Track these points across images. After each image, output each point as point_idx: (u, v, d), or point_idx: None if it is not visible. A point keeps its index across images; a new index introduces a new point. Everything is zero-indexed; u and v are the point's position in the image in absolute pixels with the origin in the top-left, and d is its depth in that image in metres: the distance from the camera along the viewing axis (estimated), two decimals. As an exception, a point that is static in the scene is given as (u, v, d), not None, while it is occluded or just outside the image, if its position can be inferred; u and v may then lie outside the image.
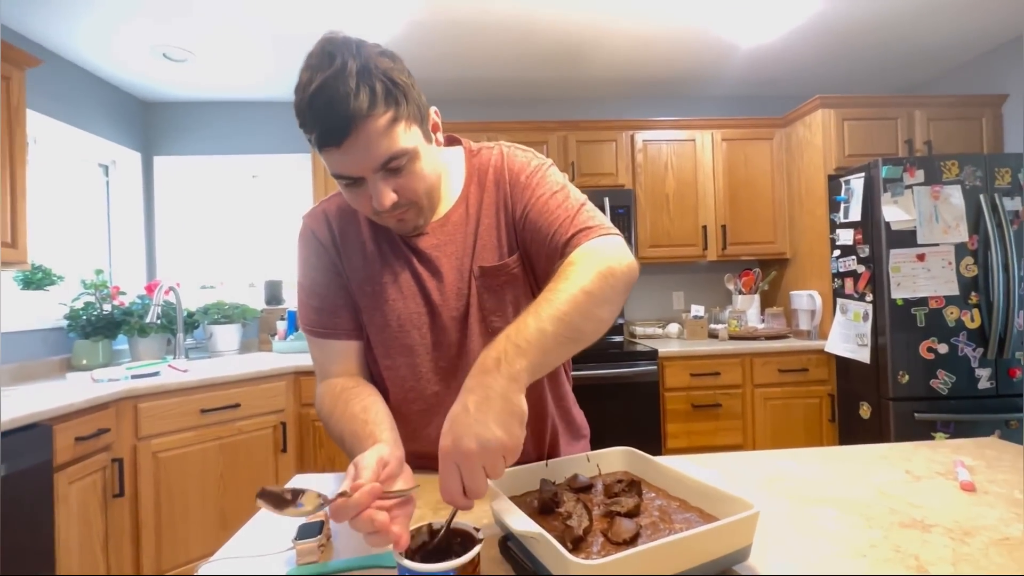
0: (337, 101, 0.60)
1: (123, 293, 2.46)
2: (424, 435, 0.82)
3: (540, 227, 0.73)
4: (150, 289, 2.49)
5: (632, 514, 0.57)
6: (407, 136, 0.65)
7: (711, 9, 2.20)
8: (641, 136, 2.77)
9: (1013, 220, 2.17)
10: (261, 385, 2.17)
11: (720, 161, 2.80)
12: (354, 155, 0.63)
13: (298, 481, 0.85)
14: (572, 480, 0.67)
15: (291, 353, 2.64)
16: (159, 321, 2.31)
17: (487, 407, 0.51)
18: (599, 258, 0.64)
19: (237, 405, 2.07)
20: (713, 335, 2.75)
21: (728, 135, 2.80)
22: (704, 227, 2.78)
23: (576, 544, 0.52)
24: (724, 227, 2.78)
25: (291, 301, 2.95)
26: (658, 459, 0.70)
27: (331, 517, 0.48)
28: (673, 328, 2.87)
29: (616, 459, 0.73)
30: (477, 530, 0.52)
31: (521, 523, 0.51)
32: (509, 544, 0.57)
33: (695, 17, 2.26)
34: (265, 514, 0.73)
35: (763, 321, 2.80)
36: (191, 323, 2.64)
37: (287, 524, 0.65)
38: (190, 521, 1.95)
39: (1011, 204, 2.18)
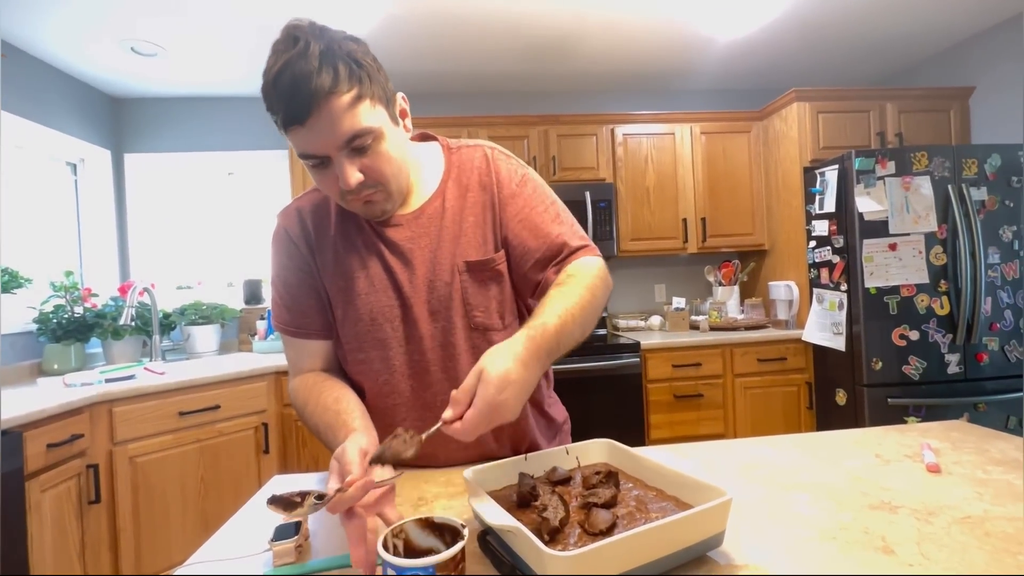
0: (301, 79, 0.61)
1: (95, 295, 2.39)
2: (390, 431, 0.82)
3: (535, 236, 0.78)
4: (123, 290, 2.42)
5: (609, 505, 0.58)
6: (372, 115, 0.66)
7: (689, 3, 2.21)
8: (621, 130, 2.79)
9: (979, 210, 2.24)
10: (241, 386, 2.14)
11: (699, 154, 2.83)
12: (318, 132, 0.63)
13: (278, 482, 0.84)
14: (551, 473, 0.67)
15: (272, 353, 2.60)
16: (133, 323, 2.25)
17: (523, 396, 0.58)
18: (596, 270, 0.75)
19: (217, 407, 2.04)
20: (694, 326, 2.79)
21: (707, 128, 2.83)
22: (684, 220, 2.81)
23: (553, 536, 0.53)
24: (704, 219, 2.82)
25: (270, 299, 2.90)
26: (637, 450, 0.71)
27: (329, 510, 0.52)
28: (655, 320, 2.90)
29: (595, 451, 0.74)
30: (463, 526, 0.52)
31: (497, 517, 0.51)
32: (488, 538, 0.57)
33: (674, 11, 2.27)
34: (243, 516, 0.72)
35: (742, 312, 2.84)
36: (167, 324, 2.58)
37: (264, 526, 0.65)
38: (171, 525, 1.92)
39: (977, 194, 2.25)
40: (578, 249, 0.78)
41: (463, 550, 0.49)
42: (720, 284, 2.90)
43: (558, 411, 0.97)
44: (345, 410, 0.70)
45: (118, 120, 2.83)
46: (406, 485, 0.78)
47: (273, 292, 0.84)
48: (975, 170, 2.26)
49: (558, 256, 0.77)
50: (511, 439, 0.86)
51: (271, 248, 0.83)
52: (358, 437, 0.61)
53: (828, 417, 2.47)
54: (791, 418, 2.54)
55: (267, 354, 2.58)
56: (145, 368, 2.12)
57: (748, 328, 2.66)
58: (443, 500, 0.72)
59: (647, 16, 2.31)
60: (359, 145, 0.66)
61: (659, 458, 0.67)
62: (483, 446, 0.83)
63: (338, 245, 0.80)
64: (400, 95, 0.74)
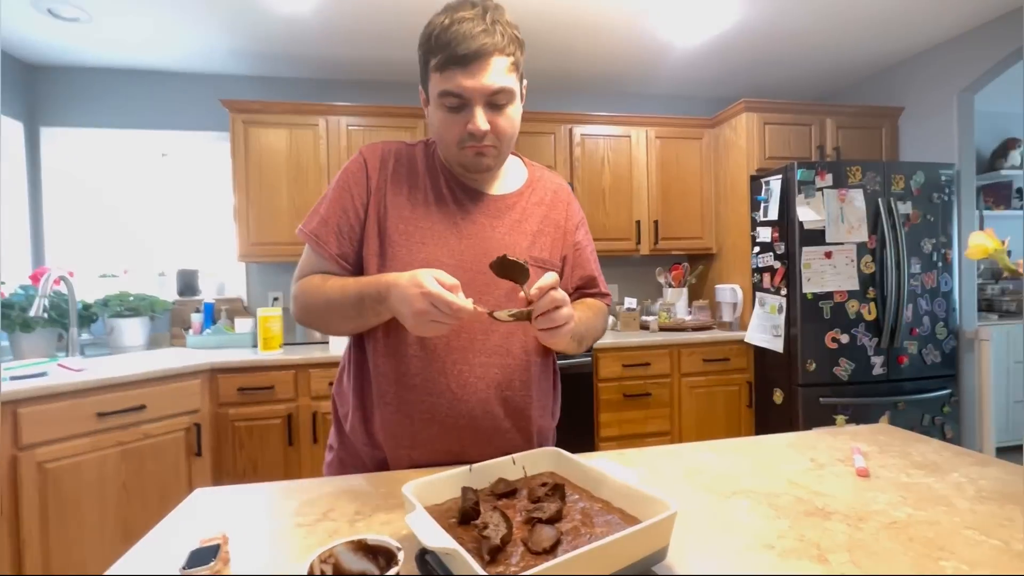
0: (477, 33, 0.74)
1: (2, 283, 2.16)
2: (410, 383, 0.82)
3: (580, 268, 0.97)
4: (35, 278, 2.20)
5: (554, 519, 0.56)
6: (515, 82, 0.80)
7: (648, 6, 2.24)
8: (579, 130, 2.80)
9: (905, 223, 2.41)
10: (172, 384, 1.99)
11: (654, 158, 2.88)
12: (476, 78, 0.75)
13: (200, 496, 0.77)
14: (496, 485, 0.65)
15: (207, 349, 2.44)
16: (46, 314, 2.05)
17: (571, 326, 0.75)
18: (605, 314, 1.01)
19: (142, 407, 1.89)
20: (644, 326, 2.85)
21: (662, 133, 2.89)
22: (638, 222, 2.86)
23: (494, 555, 0.50)
24: (656, 222, 2.88)
25: (207, 292, 2.73)
26: (584, 459, 0.70)
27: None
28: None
29: (542, 460, 0.72)
30: (399, 548, 0.49)
31: (434, 537, 0.48)
32: (427, 558, 0.54)
33: (633, 13, 2.29)
34: (158, 534, 0.65)
35: (690, 313, 2.93)
36: (87, 316, 2.36)
37: (181, 547, 0.59)
38: (86, 536, 1.75)
39: (903, 208, 2.41)
40: (603, 295, 1.00)
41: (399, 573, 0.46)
42: (670, 286, 2.98)
43: (556, 407, 1.00)
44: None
45: (34, 89, 2.56)
46: (342, 498, 0.73)
47: (318, 202, 0.88)
48: (902, 185, 2.42)
49: (587, 290, 0.98)
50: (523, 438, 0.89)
51: (341, 170, 0.88)
52: (432, 270, 0.70)
53: (766, 415, 2.59)
54: (732, 416, 2.65)
55: (202, 350, 2.42)
56: (59, 364, 1.94)
57: (695, 329, 2.75)
58: (382, 514, 0.68)
59: (607, 16, 2.32)
60: (498, 101, 0.78)
61: (606, 467, 0.66)
62: (493, 419, 0.85)
63: (417, 194, 0.86)
64: (524, 82, 0.85)
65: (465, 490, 0.59)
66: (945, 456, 0.86)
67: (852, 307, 2.37)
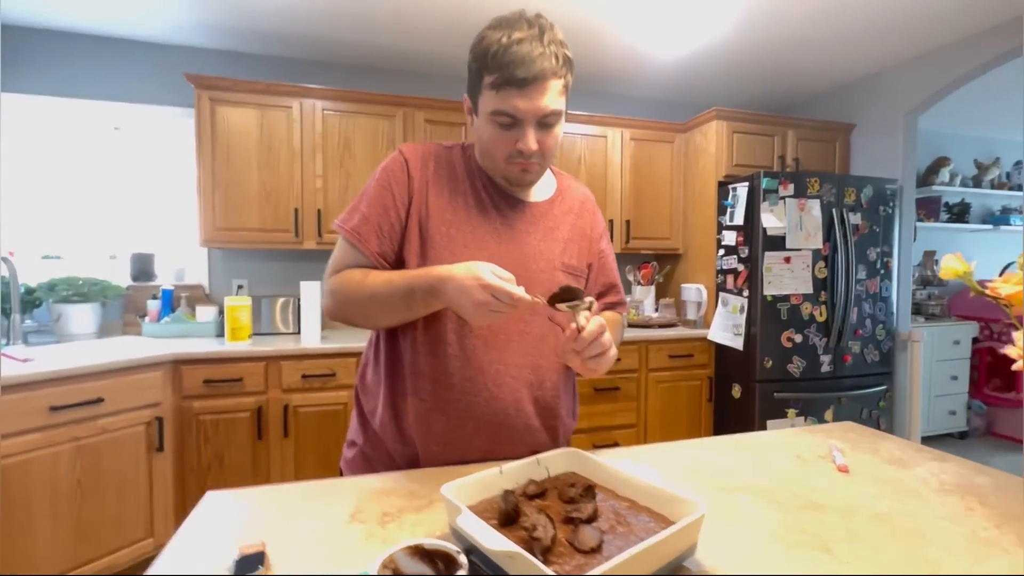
0: (536, 56, 0.75)
1: (-71, 262, 1.95)
2: (448, 382, 0.84)
3: (604, 276, 1.02)
4: (-29, 258, 2.01)
5: (591, 519, 0.60)
6: (564, 103, 0.82)
7: (632, 19, 2.28)
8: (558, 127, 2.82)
9: (854, 232, 2.60)
10: (131, 376, 1.88)
11: (628, 159, 2.96)
12: (531, 100, 0.77)
13: (213, 500, 0.75)
14: (527, 487, 0.67)
15: (166, 338, 2.32)
16: (-14, 299, 1.88)
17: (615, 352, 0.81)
18: (624, 327, 1.07)
19: (100, 400, 1.77)
20: (614, 323, 2.94)
21: (636, 135, 2.97)
22: (611, 221, 2.94)
23: (544, 555, 0.53)
24: (628, 222, 2.97)
25: (164, 277, 2.58)
26: (599, 457, 0.73)
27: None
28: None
29: (563, 460, 0.75)
30: (459, 552, 0.50)
31: (495, 541, 0.50)
32: (472, 559, 0.56)
33: (618, 22, 2.33)
34: (181, 542, 0.63)
35: (657, 311, 3.05)
36: (30, 301, 2.18)
37: (222, 547, 0.58)
38: (37, 537, 1.64)
39: (854, 218, 2.61)
40: (621, 303, 1.05)
41: (462, 579, 0.48)
42: (639, 284, 3.08)
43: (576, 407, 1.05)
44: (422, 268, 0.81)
45: (-37, 48, 2.31)
46: (369, 500, 0.74)
47: (358, 199, 0.88)
48: (853, 198, 2.61)
49: (608, 296, 1.03)
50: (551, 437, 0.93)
51: (381, 168, 0.89)
52: (487, 263, 0.73)
53: (724, 409, 2.75)
54: (693, 409, 2.79)
55: (160, 339, 2.30)
56: (3, 354, 1.78)
57: (662, 326, 2.87)
58: (410, 514, 0.70)
59: (591, 19, 2.34)
60: (548, 122, 0.80)
61: (620, 466, 0.70)
62: (525, 418, 0.88)
63: (458, 198, 0.88)
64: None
65: (506, 493, 0.61)
66: (908, 453, 0.96)
67: (806, 309, 2.55)
